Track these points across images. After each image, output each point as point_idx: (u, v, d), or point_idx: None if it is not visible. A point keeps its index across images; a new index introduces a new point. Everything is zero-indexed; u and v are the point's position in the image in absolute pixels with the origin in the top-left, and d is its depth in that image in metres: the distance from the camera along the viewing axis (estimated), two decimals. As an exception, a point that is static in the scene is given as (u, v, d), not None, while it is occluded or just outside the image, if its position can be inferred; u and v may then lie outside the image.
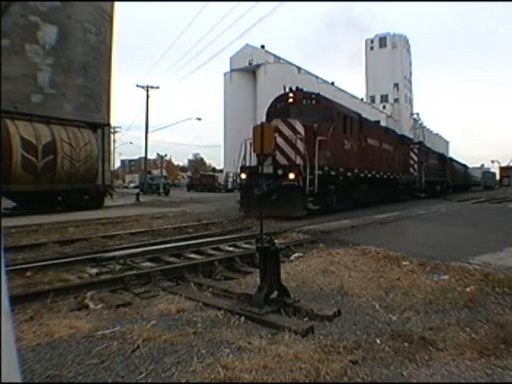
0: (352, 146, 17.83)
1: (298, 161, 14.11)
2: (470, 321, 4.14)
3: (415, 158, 29.57)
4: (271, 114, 16.37)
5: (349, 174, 17.21)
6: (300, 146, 14.27)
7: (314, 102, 16.34)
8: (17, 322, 3.94)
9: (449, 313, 4.40)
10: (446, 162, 41.56)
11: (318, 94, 16.94)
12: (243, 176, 15.22)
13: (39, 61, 24.81)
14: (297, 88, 16.60)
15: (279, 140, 14.13)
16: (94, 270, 6.63)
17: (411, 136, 50.65)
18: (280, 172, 13.87)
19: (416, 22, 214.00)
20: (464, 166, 59.68)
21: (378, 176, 20.65)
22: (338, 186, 16.29)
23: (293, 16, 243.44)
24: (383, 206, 19.96)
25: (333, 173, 15.79)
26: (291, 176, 13.62)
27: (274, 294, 4.52)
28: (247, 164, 15.32)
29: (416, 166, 29.39)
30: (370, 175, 19.53)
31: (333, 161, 15.85)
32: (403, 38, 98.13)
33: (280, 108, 16.28)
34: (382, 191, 21.75)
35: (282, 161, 14.35)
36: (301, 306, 4.41)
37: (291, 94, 16.25)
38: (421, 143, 36.87)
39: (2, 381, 1.17)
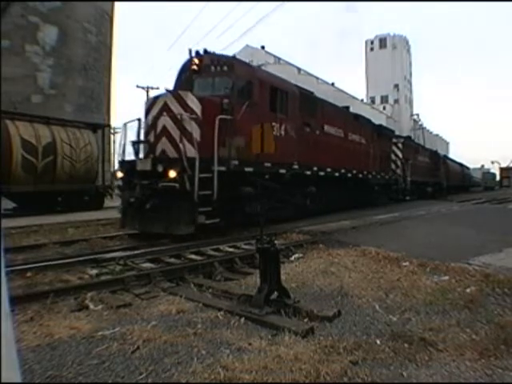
0: (288, 131, 12.78)
1: (190, 152, 9.50)
2: (470, 322, 4.14)
3: (399, 154, 25.62)
4: (176, 88, 11.90)
5: (282, 171, 12.30)
6: (193, 129, 9.78)
7: (225, 68, 11.57)
8: (17, 322, 3.94)
9: (449, 313, 4.40)
10: (439, 160, 38.21)
11: (234, 58, 12.62)
12: (119, 175, 11.03)
13: (39, 61, 24.90)
14: (205, 51, 11.94)
15: (165, 121, 10.09)
16: (95, 271, 6.62)
17: (411, 136, 49.80)
18: (160, 168, 9.58)
19: (416, 22, 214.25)
20: (461, 165, 55.88)
21: (336, 174, 15.73)
22: (266, 188, 11.44)
23: (293, 17, 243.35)
24: (352, 212, 16.25)
25: (249, 169, 10.80)
26: (171, 174, 9.34)
27: (274, 295, 4.52)
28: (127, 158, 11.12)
29: (399, 164, 25.43)
30: (322, 173, 14.57)
31: (250, 152, 9.40)
32: (403, 38, 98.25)
33: (185, 79, 11.95)
34: (345, 194, 17.12)
35: (171, 152, 9.94)
36: (301, 307, 4.41)
37: (195, 60, 11.71)
38: (408, 138, 33.07)
39: (2, 381, 1.17)
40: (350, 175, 17.04)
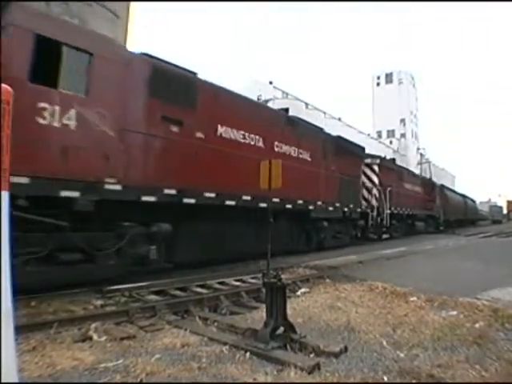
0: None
1: None
2: (479, 358, 4.06)
3: (374, 179, 20.34)
4: None
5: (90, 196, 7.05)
6: None
7: None
8: (19, 352, 3.91)
9: (457, 349, 4.32)
10: (433, 189, 32.73)
11: None
12: None
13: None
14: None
15: None
16: (99, 302, 6.60)
17: (417, 171, 49.26)
18: None
19: (423, 57, 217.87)
20: (464, 196, 50.17)
21: (231, 203, 10.20)
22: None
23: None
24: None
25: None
26: None
27: (280, 330, 4.46)
28: None
29: (375, 192, 20.16)
30: (191, 201, 9.11)
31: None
32: (409, 74, 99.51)
33: None
34: (249, 234, 10.87)
35: None
36: (307, 342, 4.35)
37: None
38: (392, 160, 26.95)
39: (2, 381, 1.17)
40: (263, 205, 10.62)
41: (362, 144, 20.39)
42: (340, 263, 10.99)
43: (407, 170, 28.96)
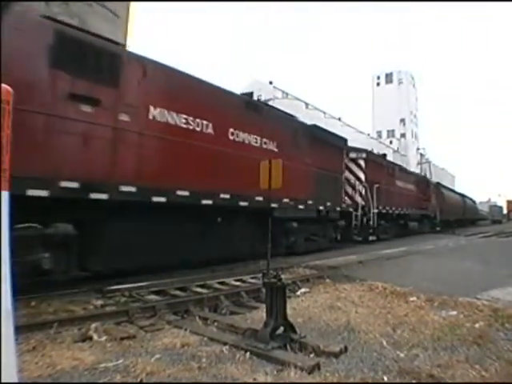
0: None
1: None
2: (479, 358, 4.06)
3: (360, 174, 18.77)
4: None
5: None
6: None
7: None
8: (19, 352, 3.91)
9: (457, 349, 4.32)
10: (428, 187, 30.58)
11: None
12: None
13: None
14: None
15: None
16: (99, 302, 6.60)
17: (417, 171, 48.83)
18: None
19: (423, 57, 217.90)
20: (463, 196, 48.46)
21: (160, 200, 8.38)
22: None
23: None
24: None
25: None
26: None
27: (280, 330, 4.46)
28: None
29: (361, 188, 18.51)
30: (101, 196, 7.36)
31: None
32: (409, 74, 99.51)
33: None
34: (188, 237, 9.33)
35: None
36: (307, 342, 4.35)
37: None
38: (383, 156, 25.28)
39: (2, 381, 1.16)
40: (207, 202, 9.34)
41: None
42: (340, 263, 11.00)
43: (399, 166, 26.67)
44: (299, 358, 4.04)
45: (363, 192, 18.52)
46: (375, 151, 22.65)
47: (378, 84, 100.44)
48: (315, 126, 14.86)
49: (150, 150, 8.32)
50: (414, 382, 3.52)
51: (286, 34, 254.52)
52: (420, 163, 70.85)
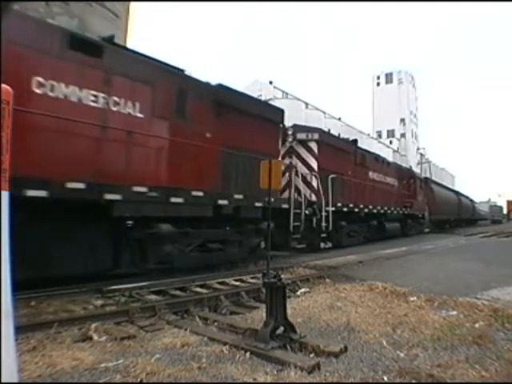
0: None
1: None
2: (479, 358, 4.06)
3: (311, 161, 14.53)
4: None
5: None
6: None
7: None
8: (19, 352, 3.91)
9: (457, 349, 4.32)
10: (413, 182, 26.02)
11: None
12: None
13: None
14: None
15: None
16: (99, 302, 6.60)
17: (417, 170, 48.32)
18: None
19: (423, 57, 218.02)
20: (458, 193, 44.72)
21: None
22: None
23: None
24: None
25: None
26: None
27: (280, 330, 4.46)
28: None
29: (313, 179, 14.33)
30: None
31: None
32: (409, 74, 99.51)
33: None
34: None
35: None
36: (307, 342, 4.35)
37: None
38: (354, 141, 18.89)
39: (2, 380, 1.16)
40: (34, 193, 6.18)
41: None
42: (340, 263, 11.00)
43: (376, 155, 21.22)
44: (299, 357, 4.04)
45: (315, 184, 14.29)
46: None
47: (378, 84, 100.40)
48: (224, 87, 10.38)
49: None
50: (413, 382, 3.52)
51: (286, 34, 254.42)
52: (420, 163, 70.92)
